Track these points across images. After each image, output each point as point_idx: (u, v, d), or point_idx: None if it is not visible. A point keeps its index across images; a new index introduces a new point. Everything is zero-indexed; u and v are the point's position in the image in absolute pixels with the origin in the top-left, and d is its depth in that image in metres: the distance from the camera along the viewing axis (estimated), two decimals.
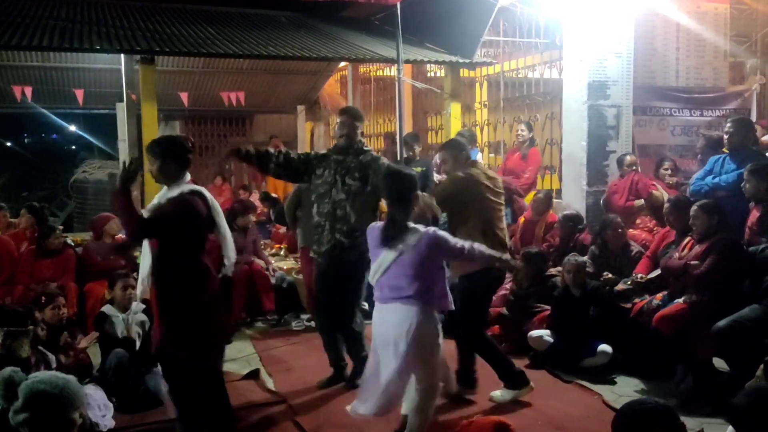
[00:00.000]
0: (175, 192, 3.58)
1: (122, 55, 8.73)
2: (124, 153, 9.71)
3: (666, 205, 5.38)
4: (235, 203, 7.29)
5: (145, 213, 3.66)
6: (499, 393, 4.44)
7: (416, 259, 3.52)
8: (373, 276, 3.68)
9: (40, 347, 4.26)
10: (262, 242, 7.63)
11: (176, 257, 3.57)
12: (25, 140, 29.19)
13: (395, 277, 3.56)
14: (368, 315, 5.80)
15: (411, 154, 7.62)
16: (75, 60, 10.18)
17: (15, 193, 17.00)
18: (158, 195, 3.70)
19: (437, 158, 8.14)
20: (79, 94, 10.04)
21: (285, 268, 7.41)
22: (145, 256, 3.69)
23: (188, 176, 3.69)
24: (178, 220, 3.52)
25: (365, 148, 4.71)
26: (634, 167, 6.64)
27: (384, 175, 3.96)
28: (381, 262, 3.62)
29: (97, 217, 6.84)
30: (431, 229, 3.64)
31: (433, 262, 3.62)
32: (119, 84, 9.41)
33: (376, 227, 3.76)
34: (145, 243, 3.69)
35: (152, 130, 8.24)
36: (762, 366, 3.47)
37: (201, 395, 3.65)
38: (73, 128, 23.82)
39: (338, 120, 4.76)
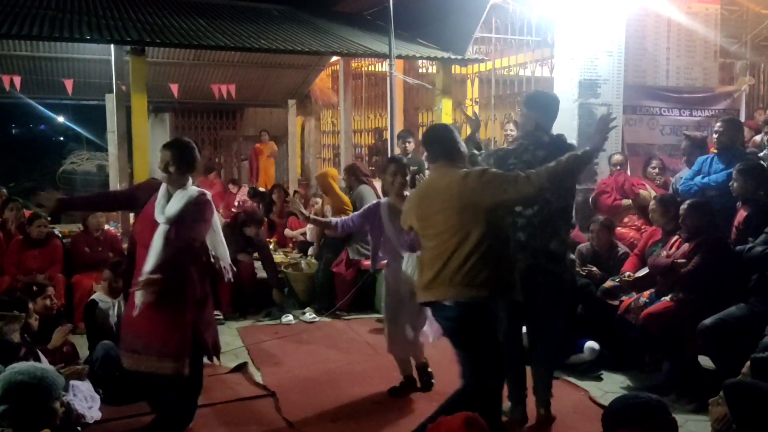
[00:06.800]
0: (191, 193, 3.79)
1: (112, 46, 8.66)
2: (113, 144, 9.63)
3: (652, 202, 5.42)
4: (246, 214, 7.10)
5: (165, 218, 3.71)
6: None
7: None
8: None
9: (27, 337, 4.22)
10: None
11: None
12: (13, 130, 28.95)
13: None
14: None
15: (405, 147, 7.65)
16: (64, 50, 10.09)
17: (1, 183, 16.84)
18: (175, 195, 3.76)
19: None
20: (68, 84, 9.96)
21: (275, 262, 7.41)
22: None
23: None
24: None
25: None
26: (619, 167, 6.68)
27: None
28: None
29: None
30: None
31: None
32: (109, 75, 9.34)
33: None
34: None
35: (142, 121, 8.20)
36: (748, 363, 3.50)
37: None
38: (61, 119, 23.64)
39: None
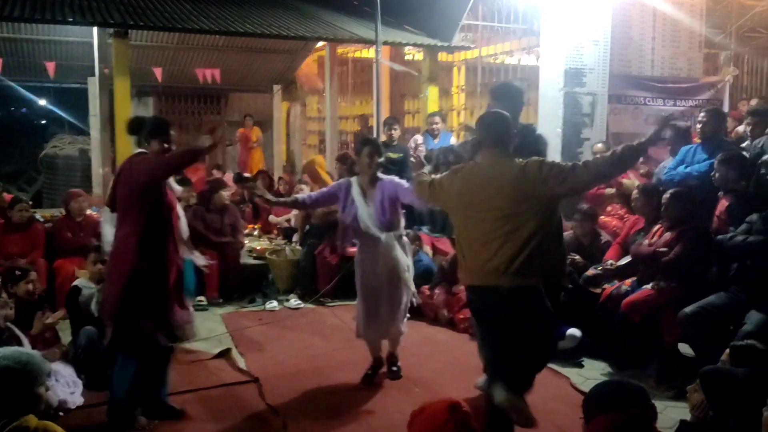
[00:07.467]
0: None
1: (95, 28, 8.53)
2: (95, 128, 9.52)
3: (634, 192, 5.45)
4: (205, 183, 7.21)
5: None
6: None
7: None
8: None
9: (9, 324, 4.19)
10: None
11: None
12: None
13: None
14: None
15: (390, 134, 7.63)
16: (46, 32, 9.96)
17: None
18: None
19: (412, 142, 8.20)
20: (50, 67, 9.83)
21: (259, 248, 7.39)
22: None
23: None
24: None
25: None
26: (598, 155, 6.69)
27: None
28: None
29: (69, 192, 6.74)
30: None
31: None
32: (91, 58, 9.20)
33: None
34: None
35: (125, 105, 8.10)
36: (727, 351, 3.55)
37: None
38: (43, 102, 23.31)
39: None
